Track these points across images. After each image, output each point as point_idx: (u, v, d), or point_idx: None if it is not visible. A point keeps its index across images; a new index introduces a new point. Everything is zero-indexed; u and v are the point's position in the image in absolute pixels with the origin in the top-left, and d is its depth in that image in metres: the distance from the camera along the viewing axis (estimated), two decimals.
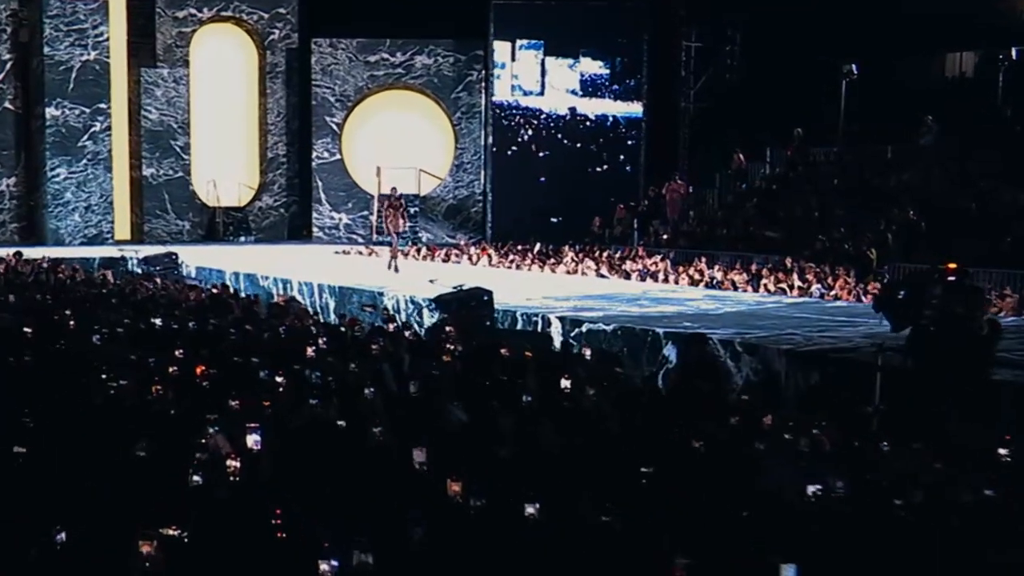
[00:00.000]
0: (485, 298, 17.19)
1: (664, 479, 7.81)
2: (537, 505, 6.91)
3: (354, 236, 36.27)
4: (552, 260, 28.15)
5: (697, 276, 24.46)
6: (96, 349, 12.90)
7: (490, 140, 36.33)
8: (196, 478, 7.83)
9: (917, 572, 6.49)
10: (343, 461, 8.42)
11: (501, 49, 36.18)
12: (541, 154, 36.55)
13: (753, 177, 32.89)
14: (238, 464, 7.70)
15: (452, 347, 13.04)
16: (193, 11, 35.82)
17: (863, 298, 21.46)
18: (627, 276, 25.54)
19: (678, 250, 28.86)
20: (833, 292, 22.28)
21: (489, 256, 29.20)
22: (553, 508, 7.10)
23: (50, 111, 34.12)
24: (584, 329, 18.09)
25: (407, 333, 13.88)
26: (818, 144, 32.90)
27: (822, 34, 33.48)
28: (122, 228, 35.20)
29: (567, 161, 36.52)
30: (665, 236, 30.82)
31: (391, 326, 14.49)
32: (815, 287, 22.29)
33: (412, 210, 35.07)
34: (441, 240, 35.57)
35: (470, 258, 29.32)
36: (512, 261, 28.27)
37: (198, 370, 11.21)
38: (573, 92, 37.08)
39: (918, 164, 29.28)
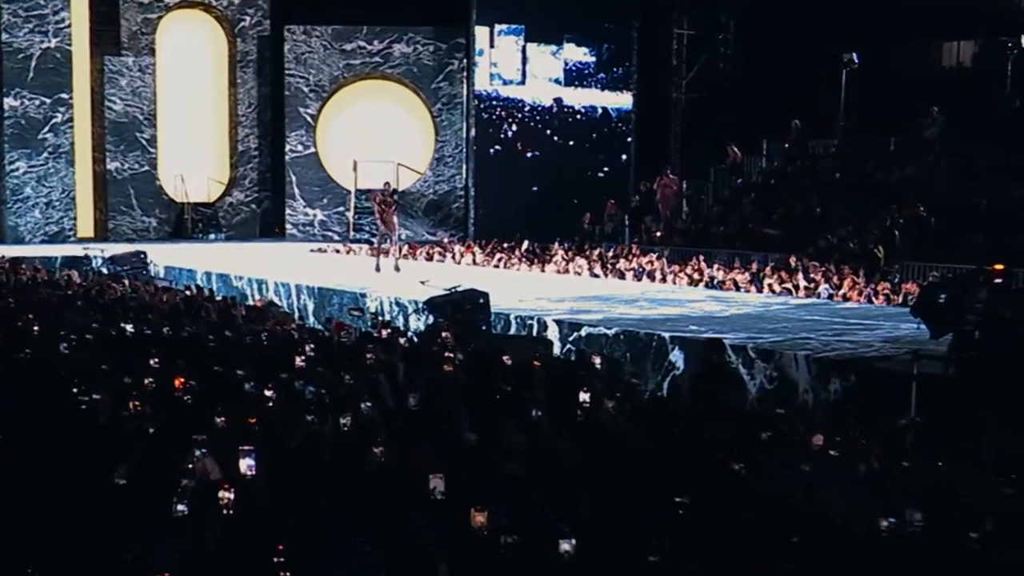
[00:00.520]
0: (481, 301, 16.59)
1: (705, 508, 7.23)
2: (572, 542, 6.32)
3: (330, 234, 35.78)
4: (541, 259, 27.55)
5: (696, 276, 23.88)
6: (65, 358, 12.23)
7: (472, 132, 35.80)
8: (181, 508, 7.22)
9: None
10: (348, 488, 7.80)
11: (482, 36, 35.63)
12: (526, 147, 36.08)
13: (749, 171, 32.45)
14: (231, 495, 7.06)
15: (452, 355, 12.42)
16: None
17: (874, 299, 21.03)
18: (621, 276, 24.98)
19: (672, 248, 28.39)
20: (841, 292, 21.78)
21: (474, 254, 28.58)
22: (587, 543, 6.52)
23: (8, 101, 33.44)
24: (583, 333, 17.59)
25: (401, 340, 13.23)
26: (817, 136, 32.53)
27: (819, 21, 33.11)
28: (85, 225, 34.55)
29: (553, 154, 36.12)
30: (658, 233, 30.37)
31: (386, 332, 13.85)
32: (822, 287, 21.80)
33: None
34: (421, 238, 35.00)
35: (454, 256, 28.70)
36: (500, 260, 27.62)
37: (177, 382, 10.56)
38: (556, 81, 36.56)
39: (923, 157, 28.88)
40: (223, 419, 9.36)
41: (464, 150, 36.21)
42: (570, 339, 17.63)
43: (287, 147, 35.99)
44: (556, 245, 28.74)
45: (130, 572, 6.38)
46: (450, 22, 35.91)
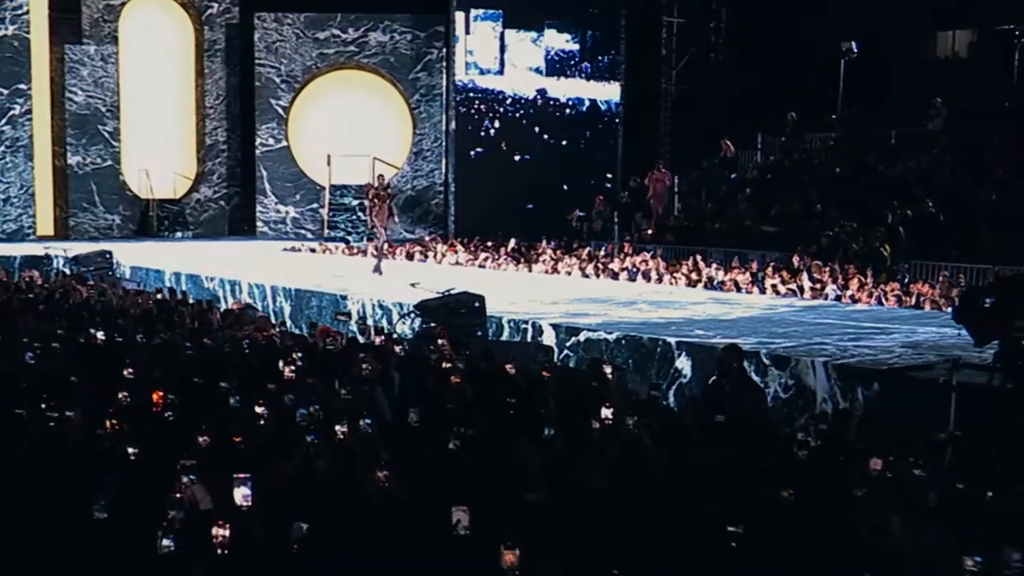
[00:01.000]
0: (476, 304, 15.99)
1: (759, 540, 6.65)
2: None
3: (303, 232, 35.22)
4: (528, 258, 26.98)
5: (695, 276, 23.35)
6: (29, 369, 11.57)
7: (452, 125, 35.26)
8: (167, 544, 6.60)
9: None
10: (358, 521, 7.20)
11: (461, 22, 35.03)
12: (507, 140, 35.57)
13: (744, 166, 32.00)
14: (225, 532, 6.44)
15: (452, 365, 11.82)
16: None
17: (884, 301, 20.57)
18: (615, 276, 24.43)
19: (665, 246, 27.91)
20: (849, 293, 21.29)
21: (457, 253, 28.00)
22: None
23: None
24: (582, 338, 17.03)
25: (397, 348, 12.61)
26: (814, 129, 32.14)
27: (813, 9, 32.66)
28: (44, 223, 33.92)
29: (536, 148, 35.68)
30: (649, 231, 29.85)
31: (378, 339, 13.23)
32: (830, 288, 21.29)
33: (367, 202, 33.93)
34: (399, 235, 34.36)
35: (436, 256, 28.11)
36: (485, 259, 27.05)
37: (155, 396, 9.93)
38: (537, 71, 36.01)
39: (928, 150, 28.50)
40: (206, 439, 8.77)
41: (443, 143, 35.72)
42: (568, 344, 17.08)
43: (257, 141, 35.41)
44: (544, 244, 28.16)
45: None
46: (428, 9, 35.42)
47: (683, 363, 15.73)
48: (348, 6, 35.20)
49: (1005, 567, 5.65)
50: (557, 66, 36.12)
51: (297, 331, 17.14)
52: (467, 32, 35.09)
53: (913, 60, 34.68)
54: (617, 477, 8.25)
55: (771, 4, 33.49)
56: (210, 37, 35.54)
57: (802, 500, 7.46)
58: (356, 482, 8.10)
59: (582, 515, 7.62)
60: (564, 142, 35.77)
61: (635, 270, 24.44)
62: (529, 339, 17.42)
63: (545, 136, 35.67)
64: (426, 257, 28.25)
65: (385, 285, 21.90)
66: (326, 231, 34.09)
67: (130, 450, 8.22)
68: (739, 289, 22.42)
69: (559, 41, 36.12)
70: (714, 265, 24.36)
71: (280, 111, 35.39)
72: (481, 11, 35.19)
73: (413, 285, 18.90)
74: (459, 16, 34.87)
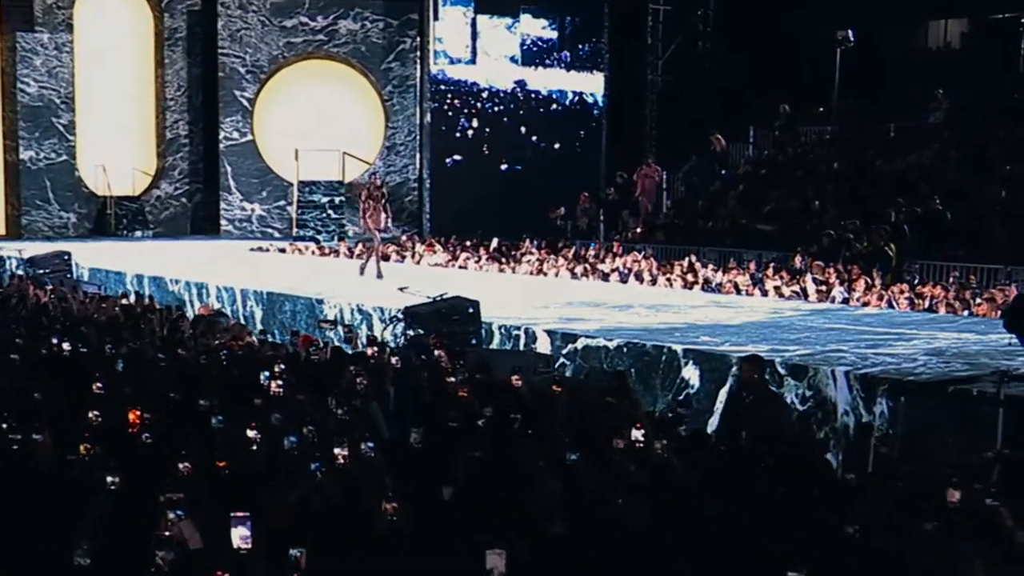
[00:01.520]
0: (470, 310, 15.40)
1: None
2: None
3: (270, 230, 34.71)
4: (511, 258, 26.44)
5: (690, 277, 22.86)
6: None
7: (427, 118, 34.73)
8: None
9: None
10: (365, 558, 6.61)
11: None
12: (484, 134, 35.08)
13: (735, 161, 31.57)
14: None
15: (453, 379, 11.25)
16: None
17: (895, 304, 20.12)
18: (605, 277, 23.90)
19: (654, 245, 27.47)
20: (856, 295, 20.83)
21: (435, 253, 27.43)
22: None
23: None
24: (579, 346, 16.45)
25: (394, 359, 12.00)
26: (808, 122, 31.78)
27: None
28: None
29: (515, 142, 35.26)
30: (638, 229, 29.40)
31: (371, 350, 12.61)
32: (837, 290, 20.83)
33: (338, 200, 33.52)
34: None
35: (414, 256, 27.53)
36: (467, 259, 26.48)
37: (132, 416, 9.30)
38: (512, 60, 35.53)
39: (930, 144, 28.15)
40: (188, 466, 8.17)
41: (418, 137, 35.22)
42: (564, 352, 16.51)
43: (221, 134, 34.83)
44: (527, 243, 27.62)
45: None
46: None
47: (690, 372, 15.20)
48: None
49: None
50: (534, 55, 35.67)
51: (271, 338, 16.46)
52: (435, 18, 34.57)
53: (904, 51, 34.46)
54: (653, 509, 7.70)
55: None
56: (170, 25, 34.88)
57: (866, 535, 6.92)
58: (361, 514, 7.53)
59: (619, 552, 7.07)
60: (544, 136, 35.35)
61: (627, 271, 23.90)
62: (522, 347, 16.84)
63: (524, 130, 35.27)
64: (403, 258, 27.65)
65: (366, 289, 21.29)
66: (295, 230, 33.49)
67: (109, 479, 7.60)
68: (739, 291, 21.92)
69: (536, 28, 35.66)
70: (710, 266, 23.85)
71: (245, 103, 34.81)
72: None
73: (401, 290, 18.28)
74: (431, 1, 34.37)
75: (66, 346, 12.34)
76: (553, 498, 8.03)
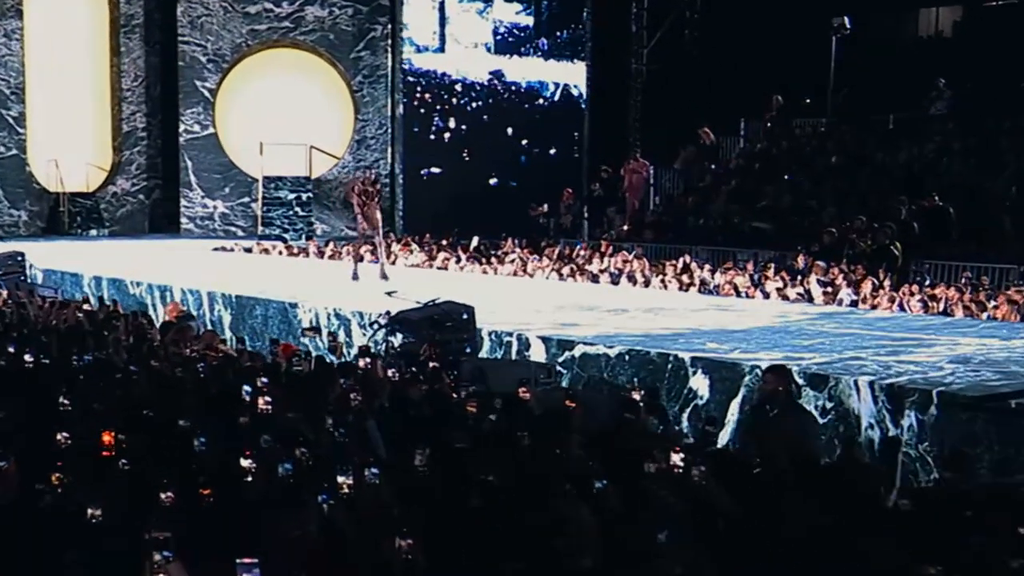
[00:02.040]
0: (464, 317, 14.83)
1: None
2: None
3: (233, 228, 34.25)
4: (493, 258, 25.96)
5: (686, 278, 22.42)
6: None
7: (399, 110, 34.27)
8: None
9: None
10: None
11: None
12: (459, 127, 34.67)
13: (726, 154, 31.29)
14: None
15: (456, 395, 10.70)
16: None
17: (907, 306, 19.73)
18: (595, 278, 23.43)
19: (642, 244, 27.18)
20: (863, 297, 20.45)
21: (412, 253, 26.90)
22: None
23: None
24: (577, 353, 15.95)
25: (390, 371, 11.41)
26: (802, 114, 31.54)
27: None
28: None
29: (492, 136, 34.84)
30: (625, 227, 29.03)
31: (365, 362, 12.01)
32: (844, 292, 20.43)
33: (305, 196, 33.01)
34: (339, 233, 33.50)
35: (389, 256, 26.90)
36: (446, 259, 25.97)
37: (105, 438, 8.70)
38: (484, 48, 35.11)
39: (932, 137, 27.90)
40: (170, 495, 7.58)
41: (389, 130, 34.74)
42: (560, 360, 15.99)
43: (181, 127, 34.35)
44: (509, 242, 27.15)
45: None
46: None
47: (699, 382, 14.74)
48: None
49: None
50: (509, 43, 35.27)
51: (242, 345, 15.84)
52: (400, 3, 34.18)
53: (894, 40, 34.29)
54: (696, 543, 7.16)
55: None
56: (127, 11, 34.31)
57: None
58: (374, 553, 6.96)
59: None
60: (522, 129, 34.88)
61: (618, 272, 23.44)
62: (515, 354, 16.34)
63: (500, 122, 34.76)
64: (377, 258, 27.05)
65: (346, 292, 20.77)
66: (260, 228, 32.99)
67: (91, 512, 7.01)
68: (739, 293, 21.49)
69: (509, 14, 35.33)
70: (706, 267, 23.44)
71: (206, 94, 34.35)
72: None
73: (390, 294, 17.73)
74: None
75: (28, 357, 11.71)
76: (583, 530, 7.50)
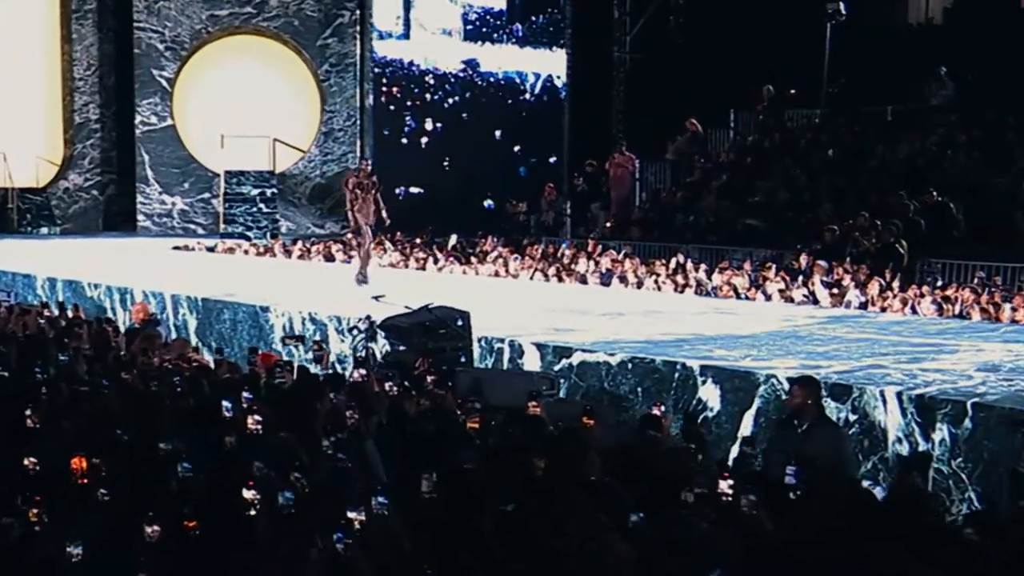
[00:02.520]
0: (459, 323, 14.25)
1: None
2: None
3: (193, 226, 34.02)
4: (476, 257, 25.51)
5: (680, 279, 22.02)
6: None
7: (369, 100, 33.82)
8: None
9: None
10: None
11: None
12: (431, 119, 34.37)
13: (715, 148, 30.95)
14: None
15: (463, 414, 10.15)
16: None
17: (918, 309, 19.35)
18: (583, 280, 22.99)
19: (630, 242, 26.82)
20: (870, 298, 20.09)
21: (386, 252, 26.41)
22: None
23: None
24: (575, 361, 15.43)
25: (387, 384, 10.83)
26: (794, 104, 31.25)
27: None
28: None
29: (466, 127, 34.63)
30: (609, 224, 28.62)
31: (360, 374, 11.41)
32: (852, 294, 20.04)
33: (270, 192, 32.52)
34: (306, 231, 33.10)
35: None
36: (423, 259, 25.50)
37: (76, 464, 8.11)
38: (452, 34, 34.71)
39: (934, 129, 27.65)
40: (156, 529, 7.05)
41: (358, 122, 34.42)
42: (556, 369, 15.46)
43: (137, 119, 34.13)
44: (490, 240, 26.70)
45: None
46: None
47: (709, 392, 14.23)
48: None
49: None
50: (480, 29, 34.90)
51: (220, 356, 15.28)
52: None
53: (884, 27, 34.07)
54: None
55: None
56: None
57: None
58: None
59: None
60: (497, 120, 34.59)
61: (609, 273, 22.99)
62: (507, 362, 15.83)
63: (483, 123, 34.44)
64: (349, 258, 26.57)
65: (320, 294, 20.28)
66: (222, 226, 32.61)
67: (70, 551, 6.46)
68: (738, 296, 21.08)
69: None
70: (703, 267, 23.05)
71: (164, 84, 34.12)
72: None
73: (377, 298, 17.14)
74: None
75: None
76: (623, 568, 6.98)
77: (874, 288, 20.62)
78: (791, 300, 20.47)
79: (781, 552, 7.11)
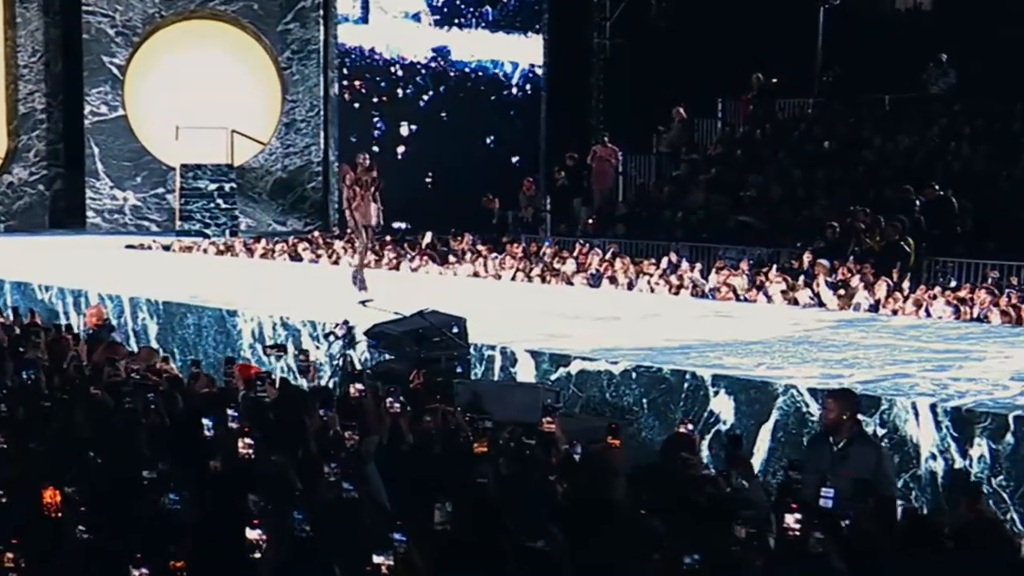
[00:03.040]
0: (455, 330, 13.67)
1: None
2: None
3: (146, 223, 33.50)
4: (455, 256, 25.06)
5: (675, 280, 21.59)
6: None
7: (334, 89, 33.29)
8: None
9: None
10: None
11: None
12: (397, 108, 34.19)
13: (702, 140, 30.56)
14: None
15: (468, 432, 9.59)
16: None
17: (931, 311, 18.97)
18: (569, 280, 22.54)
19: (615, 240, 26.49)
20: (879, 300, 19.69)
21: (355, 251, 25.88)
22: None
23: None
24: (573, 370, 15.01)
25: (388, 399, 10.22)
26: (785, 94, 30.92)
27: None
28: None
29: (436, 117, 34.27)
30: (591, 220, 28.22)
31: (356, 389, 10.82)
32: (861, 295, 19.67)
33: (228, 187, 31.91)
34: (267, 228, 32.52)
35: (331, 255, 25.99)
36: (397, 258, 25.01)
37: (48, 496, 7.49)
38: (415, 18, 34.38)
39: (935, 119, 27.38)
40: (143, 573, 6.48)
41: (322, 113, 33.79)
42: (553, 378, 14.99)
43: (86, 109, 33.45)
44: (468, 238, 26.21)
45: None
46: None
47: (721, 404, 13.83)
48: None
49: None
50: (445, 11, 34.39)
51: (197, 368, 14.69)
52: None
53: (873, 13, 33.81)
54: None
55: None
56: None
57: None
58: None
59: None
60: (469, 110, 34.19)
61: (598, 273, 22.53)
62: (498, 371, 15.33)
63: (454, 115, 33.98)
64: (317, 257, 26.04)
65: (291, 296, 19.78)
66: (177, 223, 31.97)
67: None
68: (737, 297, 20.66)
69: None
70: (698, 266, 22.66)
71: (115, 71, 33.46)
72: None
73: (364, 303, 16.59)
74: None
75: None
76: None
77: (882, 289, 20.23)
78: (795, 302, 20.06)
79: None
